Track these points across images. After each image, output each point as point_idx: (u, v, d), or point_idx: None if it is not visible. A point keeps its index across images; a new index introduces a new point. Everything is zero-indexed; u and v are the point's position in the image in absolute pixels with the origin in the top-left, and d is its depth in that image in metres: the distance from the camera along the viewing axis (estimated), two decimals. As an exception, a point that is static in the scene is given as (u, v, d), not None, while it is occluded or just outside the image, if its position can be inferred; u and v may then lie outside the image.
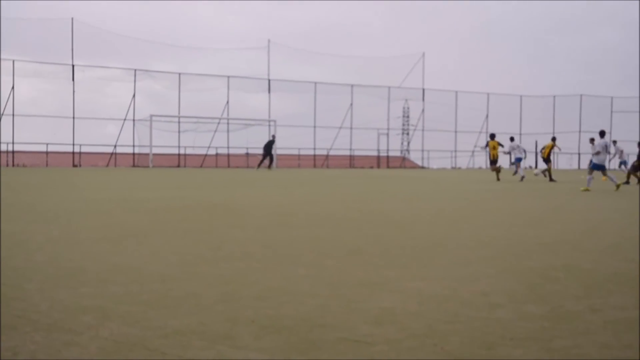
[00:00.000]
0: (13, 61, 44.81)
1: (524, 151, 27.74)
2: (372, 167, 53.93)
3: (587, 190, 17.26)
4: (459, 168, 53.95)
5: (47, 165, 45.58)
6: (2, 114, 44.24)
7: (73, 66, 46.18)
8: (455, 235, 6.86)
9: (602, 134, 19.36)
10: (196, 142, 50.51)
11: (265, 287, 3.99)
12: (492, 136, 27.26)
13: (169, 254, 5.26)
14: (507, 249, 5.80)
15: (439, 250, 5.72)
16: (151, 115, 45.68)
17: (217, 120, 50.91)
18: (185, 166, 48.92)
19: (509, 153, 27.24)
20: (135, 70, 48.62)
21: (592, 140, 22.65)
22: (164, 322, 3.13)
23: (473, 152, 59.17)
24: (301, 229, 7.24)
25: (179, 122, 49.82)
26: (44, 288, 3.89)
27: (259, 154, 50.85)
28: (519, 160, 26.31)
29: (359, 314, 3.34)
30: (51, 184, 18.45)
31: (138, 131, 47.94)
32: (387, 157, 57.68)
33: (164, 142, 48.52)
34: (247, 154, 51.87)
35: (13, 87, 44.63)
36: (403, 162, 59.20)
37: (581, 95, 59.46)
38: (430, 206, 11.29)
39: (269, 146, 39.66)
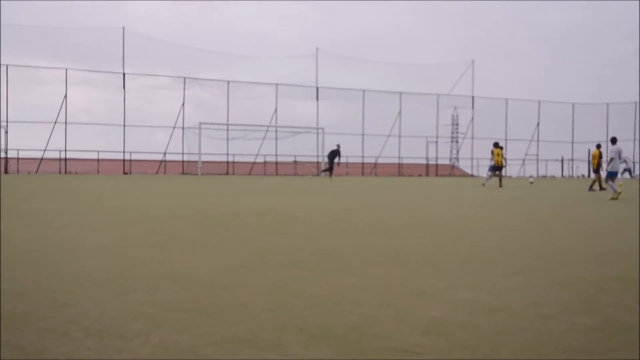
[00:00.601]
0: (66, 70, 45.72)
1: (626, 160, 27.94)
2: (420, 175, 53.70)
3: (615, 198, 17.13)
4: (509, 176, 53.30)
5: (98, 172, 46.39)
6: (56, 122, 45.10)
7: (124, 74, 46.98)
8: (505, 244, 6.77)
9: (613, 140, 19.75)
10: (244, 150, 50.80)
11: (313, 296, 3.99)
12: (497, 144, 28.32)
13: (217, 262, 5.30)
14: (560, 259, 5.71)
15: (489, 259, 5.66)
16: (200, 123, 46.14)
17: (265, 128, 51.25)
18: (233, 174, 49.32)
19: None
20: (184, 78, 49.24)
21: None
22: (213, 330, 3.16)
23: (524, 160, 58.51)
24: (349, 237, 7.23)
25: (227, 130, 50.24)
26: (95, 294, 3.95)
27: (307, 162, 51.03)
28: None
29: (408, 324, 3.32)
30: (102, 191, 18.76)
31: (187, 139, 48.48)
32: (436, 165, 57.39)
33: (213, 150, 48.98)
34: (295, 162, 52.02)
35: (66, 96, 45.52)
36: (452, 170, 58.85)
37: (636, 103, 58.33)
38: (479, 214, 11.18)
39: (333, 155, 38.95)
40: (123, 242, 6.60)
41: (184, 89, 48.94)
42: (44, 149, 45.18)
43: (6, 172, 43.67)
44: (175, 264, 5.16)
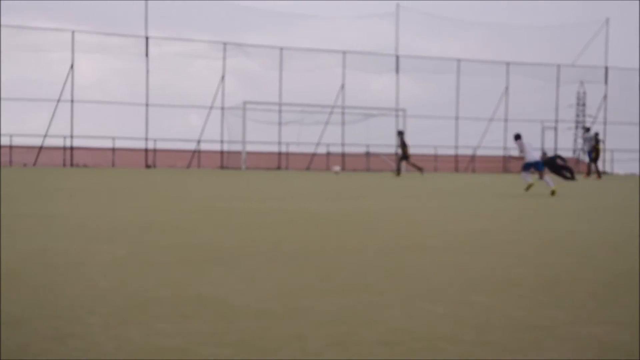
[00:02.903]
0: (72, 32, 46.05)
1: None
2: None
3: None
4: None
5: (113, 165, 46.88)
6: (59, 100, 45.72)
7: (147, 39, 47.41)
8: (649, 266, 6.65)
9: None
10: (302, 138, 50.77)
11: (391, 329, 3.98)
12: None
13: (266, 283, 5.33)
14: None
15: (627, 285, 5.56)
16: (245, 103, 46.27)
17: (328, 109, 51.21)
18: (287, 168, 49.52)
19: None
20: (224, 44, 49.47)
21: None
22: (260, 371, 3.18)
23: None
24: (439, 254, 7.19)
25: (279, 112, 50.29)
26: (110, 323, 4.01)
27: (383, 154, 50.82)
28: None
29: (517, 369, 3.29)
30: (117, 189, 19.06)
31: (228, 123, 48.62)
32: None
33: (261, 137, 49.13)
34: (368, 154, 51.91)
35: (72, 66, 45.92)
36: (577, 165, 57.90)
37: None
38: (617, 228, 11.01)
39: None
40: (145, 256, 6.69)
41: (224, 58, 49.26)
42: (44, 134, 45.87)
43: (-5, 163, 44.49)
44: (212, 286, 5.20)
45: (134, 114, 47.16)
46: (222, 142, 49.09)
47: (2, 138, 44.90)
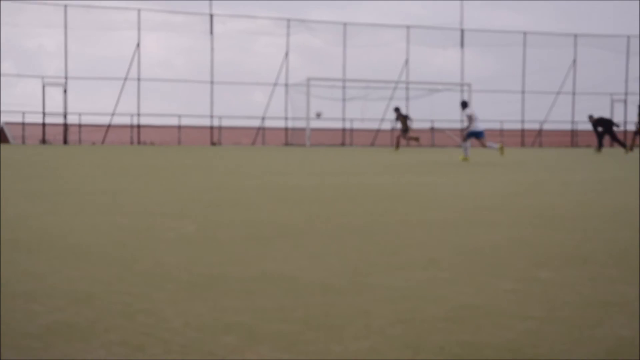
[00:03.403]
0: (138, 11, 46.42)
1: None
2: (599, 149, 52.28)
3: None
4: None
5: (179, 142, 47.27)
6: (126, 79, 46.24)
7: (211, 16, 47.59)
8: None
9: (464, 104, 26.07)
10: (366, 114, 50.70)
11: (458, 305, 3.96)
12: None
13: (332, 259, 5.33)
14: None
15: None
16: (308, 79, 46.28)
17: (392, 85, 51.03)
18: (351, 144, 49.46)
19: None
20: (288, 20, 49.47)
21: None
22: (326, 347, 3.18)
23: None
24: (506, 229, 7.13)
25: (343, 88, 50.24)
26: (178, 299, 4.05)
27: (448, 129, 50.57)
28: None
29: (585, 345, 3.25)
30: (184, 167, 19.23)
31: (292, 99, 48.74)
32: (625, 132, 55.73)
33: (325, 114, 49.03)
34: (432, 129, 51.65)
35: (138, 45, 46.36)
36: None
37: None
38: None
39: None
40: (212, 232, 6.75)
41: (288, 35, 49.30)
42: (111, 112, 46.45)
43: (65, 142, 45.21)
44: (278, 262, 5.23)
45: (199, 92, 47.53)
46: (286, 118, 49.27)
47: (71, 117, 45.64)
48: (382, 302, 4.02)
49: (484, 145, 24.46)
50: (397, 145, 37.97)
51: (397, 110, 38.88)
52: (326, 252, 5.64)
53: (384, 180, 14.51)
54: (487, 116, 47.24)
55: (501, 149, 23.09)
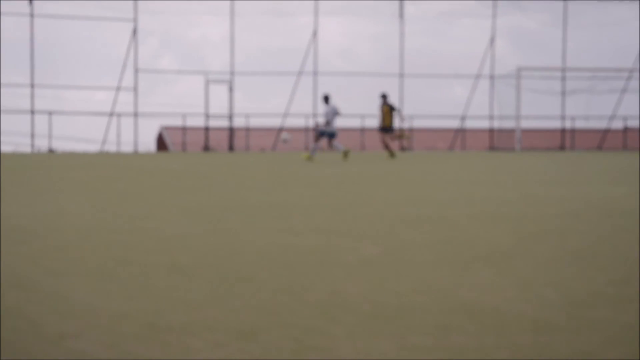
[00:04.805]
0: (316, -7, 46.85)
1: None
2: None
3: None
4: None
5: (362, 147, 47.25)
6: (301, 72, 46.72)
7: (401, -3, 47.55)
8: None
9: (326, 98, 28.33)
10: (591, 110, 49.31)
11: None
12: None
13: (547, 289, 5.23)
14: None
15: None
16: (519, 69, 45.66)
17: (626, 74, 49.59)
18: (573, 148, 48.51)
19: None
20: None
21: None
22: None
23: None
24: None
25: (563, 79, 49.15)
26: (357, 334, 4.07)
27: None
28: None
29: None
30: (366, 176, 19.33)
31: (498, 93, 48.18)
32: None
33: (540, 111, 48.15)
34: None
35: (315, 33, 46.89)
36: None
37: None
38: None
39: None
40: (398, 255, 6.75)
41: (494, 16, 48.85)
42: (283, 113, 47.00)
43: (231, 148, 46.12)
44: (479, 291, 5.16)
45: (386, 86, 47.55)
46: (491, 117, 48.74)
47: (237, 118, 46.35)
48: (606, 344, 3.90)
49: (330, 145, 26.63)
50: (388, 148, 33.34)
51: (383, 97, 34.97)
52: (539, 281, 5.53)
53: (614, 193, 14.16)
54: None
55: (346, 154, 24.93)
